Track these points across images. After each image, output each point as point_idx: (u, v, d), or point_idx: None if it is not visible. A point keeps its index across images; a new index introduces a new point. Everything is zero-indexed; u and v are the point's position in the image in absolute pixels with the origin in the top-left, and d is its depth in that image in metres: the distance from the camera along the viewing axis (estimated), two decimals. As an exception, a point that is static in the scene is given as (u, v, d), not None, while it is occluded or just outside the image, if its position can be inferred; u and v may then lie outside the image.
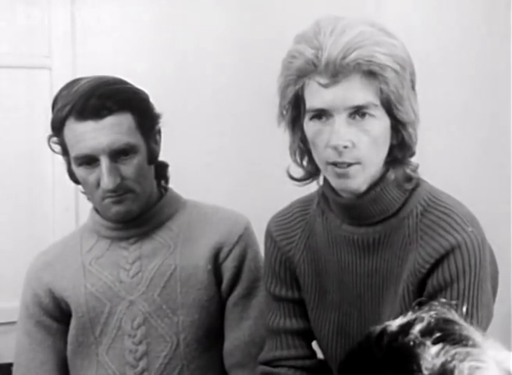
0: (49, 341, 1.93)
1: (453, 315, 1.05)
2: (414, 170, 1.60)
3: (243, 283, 1.90)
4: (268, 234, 1.77)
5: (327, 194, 1.64)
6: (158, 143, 1.90)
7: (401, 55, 1.51)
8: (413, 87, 1.57)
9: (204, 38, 2.82)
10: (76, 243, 1.96)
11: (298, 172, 1.63)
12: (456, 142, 2.94)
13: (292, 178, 1.64)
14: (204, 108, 2.83)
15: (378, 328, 1.03)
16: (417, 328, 1.01)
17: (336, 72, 1.46)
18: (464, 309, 1.50)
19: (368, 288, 1.62)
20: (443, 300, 1.09)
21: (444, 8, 2.91)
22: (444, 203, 1.58)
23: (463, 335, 1.01)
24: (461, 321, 1.05)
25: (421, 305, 1.08)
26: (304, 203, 1.75)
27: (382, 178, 1.58)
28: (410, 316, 1.04)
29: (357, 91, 1.48)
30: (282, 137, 1.62)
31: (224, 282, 1.89)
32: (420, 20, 2.87)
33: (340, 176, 1.53)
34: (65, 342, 1.93)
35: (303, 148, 1.60)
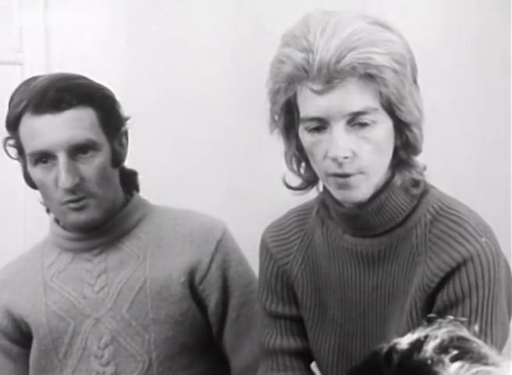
0: (10, 366, 1.83)
1: (465, 332, 1.00)
2: (421, 173, 1.51)
3: (236, 292, 1.79)
4: (264, 246, 1.66)
5: (327, 202, 1.55)
6: (123, 145, 1.79)
7: (400, 51, 1.42)
8: (415, 81, 1.47)
9: (187, 36, 2.75)
10: (36, 258, 1.84)
11: (295, 180, 1.54)
12: (458, 141, 2.89)
13: (288, 187, 1.55)
14: (184, 111, 2.75)
15: (386, 346, 0.97)
16: (430, 345, 0.96)
17: (330, 77, 1.37)
18: (477, 327, 1.40)
19: (372, 304, 1.53)
20: (451, 317, 1.03)
21: (453, 3, 2.85)
22: (455, 211, 1.49)
23: (481, 353, 0.96)
24: (476, 339, 0.99)
25: (429, 321, 1.01)
26: (303, 212, 1.65)
27: (387, 184, 1.49)
28: (419, 333, 0.98)
29: (355, 96, 1.39)
30: (276, 142, 1.53)
31: (213, 297, 1.78)
32: (425, 15, 2.81)
33: (342, 186, 1.44)
34: (27, 367, 1.82)
35: (299, 155, 1.51)
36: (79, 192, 1.68)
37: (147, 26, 2.71)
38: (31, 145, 1.68)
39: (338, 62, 1.36)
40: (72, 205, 1.69)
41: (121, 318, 1.75)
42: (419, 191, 1.50)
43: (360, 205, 1.47)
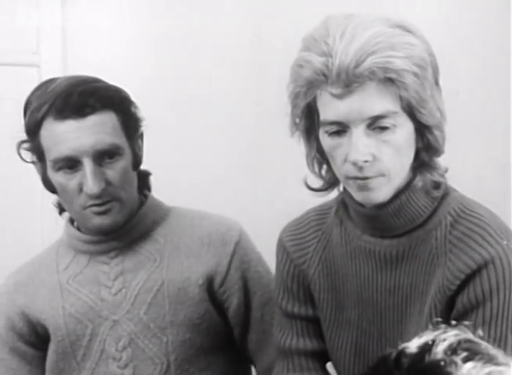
0: (25, 369, 1.79)
1: (471, 335, 1.01)
2: (443, 175, 1.50)
3: (258, 292, 1.78)
4: (281, 245, 1.65)
5: (347, 202, 1.54)
6: (140, 148, 1.77)
7: (421, 54, 1.40)
8: (436, 83, 1.46)
9: (204, 38, 2.77)
10: (51, 260, 1.81)
11: (316, 181, 1.53)
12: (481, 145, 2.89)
13: (310, 188, 1.54)
14: (201, 112, 2.77)
15: (394, 351, 0.98)
16: (440, 348, 0.96)
17: (350, 81, 1.36)
18: (499, 331, 1.41)
19: (389, 306, 1.51)
20: (454, 322, 1.05)
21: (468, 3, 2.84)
22: (476, 213, 1.47)
23: (491, 354, 0.97)
24: (483, 341, 1.00)
25: (434, 326, 1.04)
26: (321, 211, 1.63)
27: (407, 185, 1.47)
28: (427, 336, 0.99)
29: (374, 100, 1.37)
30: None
31: (234, 299, 1.76)
32: (442, 17, 2.80)
33: (362, 188, 1.43)
34: (43, 370, 1.79)
35: (320, 158, 1.51)
36: (104, 197, 1.66)
37: (165, 26, 2.71)
38: (55, 151, 1.65)
39: (357, 66, 1.35)
40: (96, 208, 1.67)
41: (139, 320, 1.73)
42: (440, 192, 1.49)
43: (381, 206, 1.46)
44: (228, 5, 2.77)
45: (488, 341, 1.33)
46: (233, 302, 1.77)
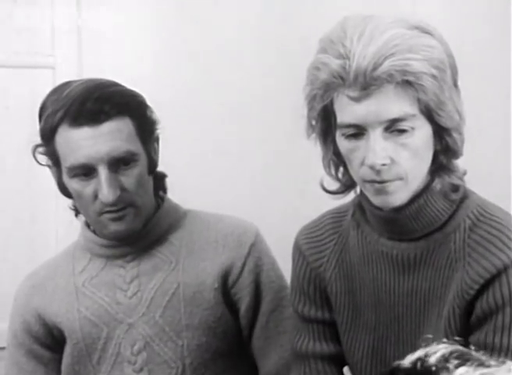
0: (41, 371, 1.78)
1: (462, 348, 1.02)
2: (461, 178, 1.48)
3: (267, 297, 1.76)
4: (297, 248, 1.63)
5: (364, 205, 1.52)
6: (156, 151, 1.75)
7: (439, 56, 1.38)
8: (455, 85, 1.45)
9: (218, 38, 2.76)
10: (67, 263, 1.80)
11: (333, 184, 1.52)
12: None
13: (326, 191, 1.52)
14: (217, 113, 2.76)
15: (388, 368, 1.02)
16: (432, 359, 0.98)
17: (367, 84, 1.35)
18: None
19: (407, 309, 1.50)
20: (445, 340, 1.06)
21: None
22: (496, 217, 1.46)
23: (482, 359, 0.99)
24: (474, 352, 1.02)
25: (425, 342, 1.06)
26: (337, 214, 1.62)
27: (426, 188, 1.46)
28: (419, 353, 1.01)
29: (392, 103, 1.36)
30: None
31: (244, 301, 1.74)
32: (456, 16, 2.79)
33: (380, 192, 1.42)
34: (59, 372, 1.78)
35: (336, 160, 1.49)
36: (119, 203, 1.65)
37: (182, 27, 2.71)
38: (70, 158, 1.64)
39: (375, 69, 1.34)
40: (111, 215, 1.66)
41: (154, 323, 1.71)
42: (458, 195, 1.47)
43: (399, 209, 1.44)
44: (245, 7, 2.76)
45: (508, 347, 1.34)
46: (243, 304, 1.75)
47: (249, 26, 2.76)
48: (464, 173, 1.49)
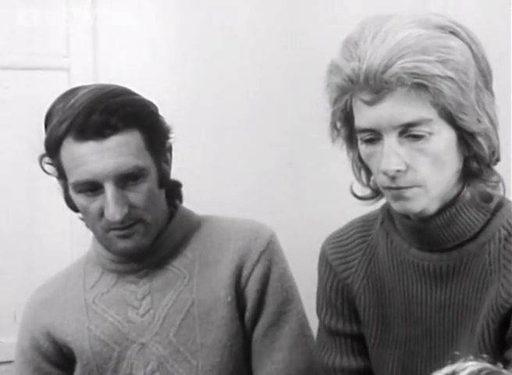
0: None
1: (491, 365, 1.01)
2: (495, 187, 1.42)
3: (269, 309, 1.67)
4: (323, 258, 1.58)
5: (393, 213, 1.47)
6: (168, 162, 1.67)
7: (458, 58, 1.32)
8: (487, 88, 1.38)
9: (234, 40, 2.71)
10: (78, 277, 1.74)
11: (363, 190, 1.48)
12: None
13: (356, 196, 1.48)
14: (232, 116, 2.71)
15: None
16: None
17: (378, 87, 1.30)
18: None
19: (439, 323, 1.45)
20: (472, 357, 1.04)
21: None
22: None
23: None
24: (504, 370, 1.01)
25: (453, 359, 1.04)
26: (365, 222, 1.57)
27: (457, 197, 1.41)
28: (446, 370, 1.00)
29: (405, 107, 1.31)
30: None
31: (247, 310, 1.67)
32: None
33: (397, 198, 1.37)
34: None
35: (361, 165, 1.45)
36: (127, 220, 1.58)
37: (198, 28, 2.66)
38: (75, 174, 1.56)
39: (384, 72, 1.29)
40: (119, 232, 1.59)
41: (168, 343, 1.64)
42: (492, 205, 1.42)
43: (428, 219, 1.40)
44: (262, 7, 2.73)
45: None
46: (247, 313, 1.67)
47: (267, 31, 2.74)
48: (498, 181, 1.42)
